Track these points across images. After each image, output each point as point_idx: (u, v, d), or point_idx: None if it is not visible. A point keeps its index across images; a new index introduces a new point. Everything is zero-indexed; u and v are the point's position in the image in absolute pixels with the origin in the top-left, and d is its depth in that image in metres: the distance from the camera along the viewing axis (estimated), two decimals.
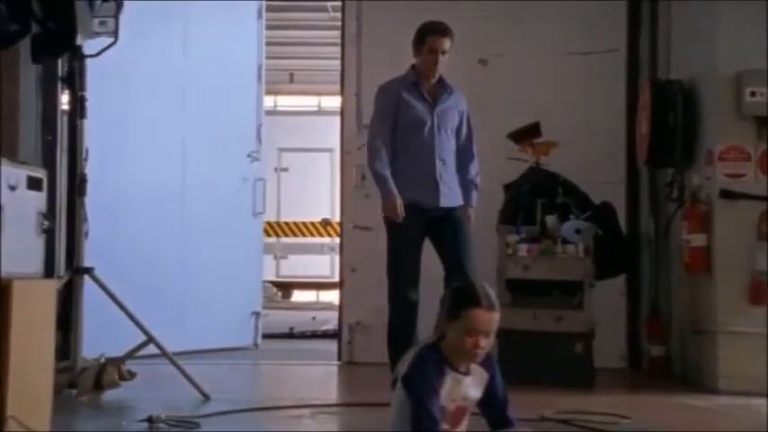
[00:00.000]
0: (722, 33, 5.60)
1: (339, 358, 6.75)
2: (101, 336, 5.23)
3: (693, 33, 5.99)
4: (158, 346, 4.90)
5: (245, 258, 7.73)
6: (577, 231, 5.78)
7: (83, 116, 5.06)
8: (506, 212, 6.05)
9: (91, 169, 6.59)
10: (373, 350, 6.62)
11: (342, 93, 6.85)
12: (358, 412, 4.64)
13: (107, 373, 4.69)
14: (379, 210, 6.68)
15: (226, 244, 7.42)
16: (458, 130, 5.03)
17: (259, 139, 7.85)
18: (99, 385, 4.66)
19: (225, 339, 7.42)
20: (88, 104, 6.51)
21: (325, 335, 8.66)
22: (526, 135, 6.12)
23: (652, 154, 5.92)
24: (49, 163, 6.20)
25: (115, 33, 4.93)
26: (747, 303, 5.40)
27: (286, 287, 15.05)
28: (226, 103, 7.48)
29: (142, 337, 6.52)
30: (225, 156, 7.48)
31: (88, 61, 6.42)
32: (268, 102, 17.00)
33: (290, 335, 8.91)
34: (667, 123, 5.82)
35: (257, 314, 7.84)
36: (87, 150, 5.08)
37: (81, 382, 4.65)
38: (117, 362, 4.77)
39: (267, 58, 14.34)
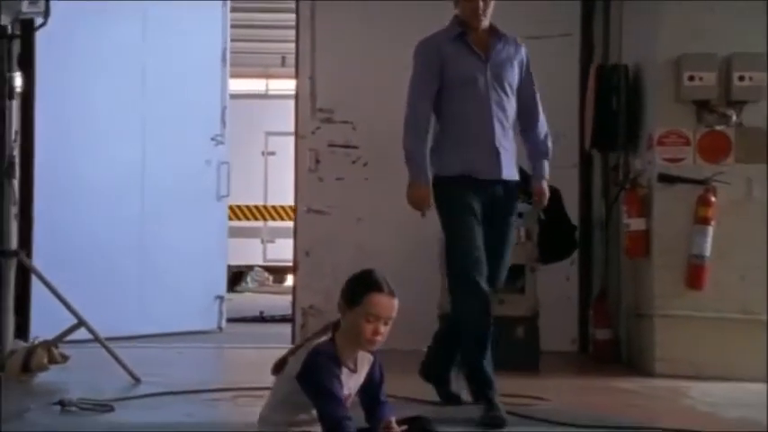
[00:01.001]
0: (665, 18, 5.58)
1: (293, 341, 6.78)
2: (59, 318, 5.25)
3: (640, 18, 5.96)
4: (89, 329, 4.94)
5: (210, 242, 7.78)
6: (519, 215, 5.77)
7: (11, 97, 5.04)
8: None
9: (45, 152, 6.71)
10: None
11: (296, 76, 6.86)
12: None
13: (36, 355, 4.73)
14: (332, 194, 6.76)
15: (188, 228, 7.46)
16: (518, 87, 4.27)
17: (224, 122, 7.88)
18: (27, 368, 4.70)
19: (188, 323, 7.47)
20: (41, 87, 6.65)
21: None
22: None
23: (596, 138, 5.92)
24: None
25: (45, 14, 4.92)
26: (685, 287, 5.40)
27: (278, 272, 15.10)
28: (188, 85, 7.49)
29: (112, 317, 6.71)
30: (187, 139, 7.50)
31: (42, 44, 6.54)
32: (260, 85, 17.11)
33: (261, 318, 8.96)
34: (611, 107, 5.82)
35: (221, 298, 7.89)
36: (17, 133, 5.06)
37: (9, 364, 4.70)
38: (47, 345, 4.81)
39: (259, 41, 14.36)
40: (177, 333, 7.19)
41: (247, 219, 14.26)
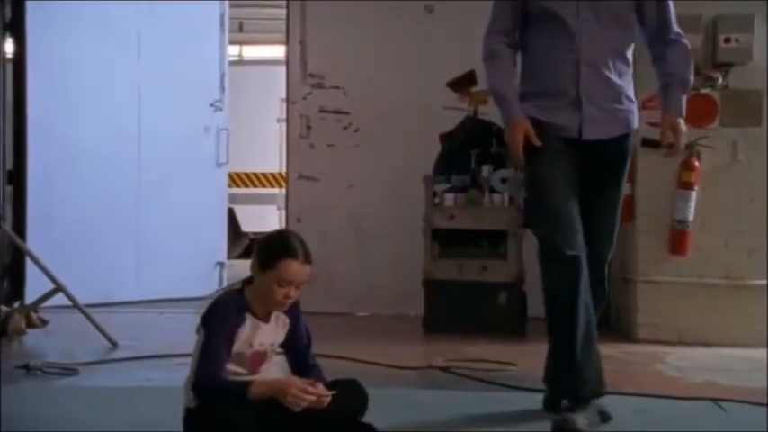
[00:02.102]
0: None
1: None
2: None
3: None
4: (67, 294, 4.99)
5: (209, 209, 7.79)
6: (503, 181, 5.75)
7: None
8: (440, 163, 6.02)
9: (39, 120, 6.76)
10: (317, 300, 6.69)
11: (287, 41, 6.83)
12: None
13: (13, 320, 4.80)
14: (323, 160, 6.76)
15: (187, 194, 7.48)
16: (638, 15, 3.46)
17: (223, 88, 7.87)
18: (3, 332, 4.77)
19: (188, 289, 7.50)
20: (33, 54, 6.70)
21: None
22: (463, 83, 6.07)
23: None
24: None
25: None
26: (668, 253, 5.34)
27: None
28: (185, 51, 7.46)
29: (109, 284, 6.80)
30: (185, 105, 7.50)
31: (33, 9, 6.59)
32: (278, 52, 17.08)
33: None
34: None
35: (221, 264, 7.93)
36: None
37: None
38: (25, 309, 4.88)
39: (277, 8, 14.31)
40: (176, 299, 7.24)
41: (263, 186, 14.30)
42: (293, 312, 2.98)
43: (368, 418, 2.93)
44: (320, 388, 2.77)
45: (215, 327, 2.80)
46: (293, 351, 2.99)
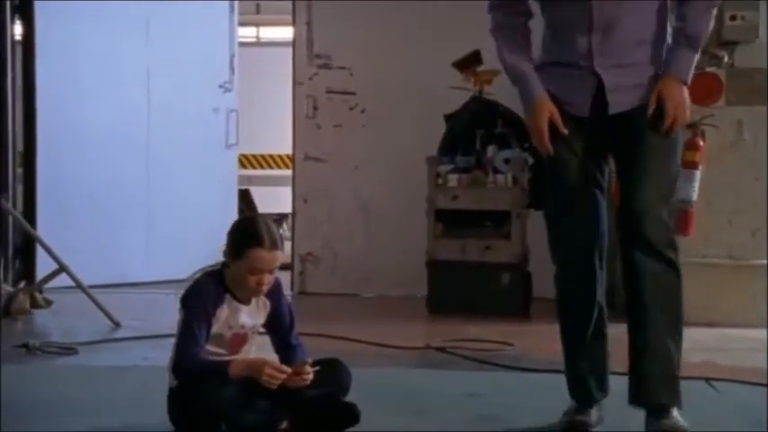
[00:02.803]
0: None
1: (291, 289, 6.85)
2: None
3: None
4: (71, 275, 5.05)
5: (218, 190, 7.82)
6: (506, 161, 5.74)
7: None
8: (445, 143, 6.01)
9: (48, 101, 6.79)
10: (323, 281, 6.74)
11: (293, 22, 6.83)
12: None
13: (18, 300, 4.85)
14: (329, 141, 6.76)
15: (196, 176, 7.51)
16: None
17: (232, 69, 7.88)
18: (8, 312, 4.82)
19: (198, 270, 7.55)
20: (41, 36, 6.72)
21: None
22: (468, 63, 6.05)
23: None
24: None
25: None
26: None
27: None
28: (194, 33, 7.46)
29: (119, 265, 6.86)
30: (193, 86, 7.52)
31: None
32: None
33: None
34: None
35: None
36: None
37: None
38: (30, 290, 4.93)
39: None
40: (186, 280, 7.26)
41: (279, 167, 14.33)
42: (275, 295, 2.98)
43: (353, 397, 2.94)
44: (307, 371, 2.79)
45: (193, 308, 2.82)
46: (276, 332, 3.00)
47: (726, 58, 5.32)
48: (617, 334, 4.85)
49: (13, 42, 6.71)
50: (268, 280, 2.86)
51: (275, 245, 2.85)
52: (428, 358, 4.24)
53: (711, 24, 2.82)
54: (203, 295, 2.85)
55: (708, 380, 3.70)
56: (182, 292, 2.91)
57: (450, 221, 5.81)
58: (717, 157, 5.27)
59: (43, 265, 6.33)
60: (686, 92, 2.79)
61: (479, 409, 3.20)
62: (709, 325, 5.16)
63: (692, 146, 5.23)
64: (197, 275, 2.94)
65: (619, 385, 2.99)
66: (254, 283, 2.83)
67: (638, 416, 2.92)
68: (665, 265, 2.89)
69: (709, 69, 5.32)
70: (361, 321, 5.42)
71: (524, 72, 2.92)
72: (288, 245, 8.19)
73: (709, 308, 5.23)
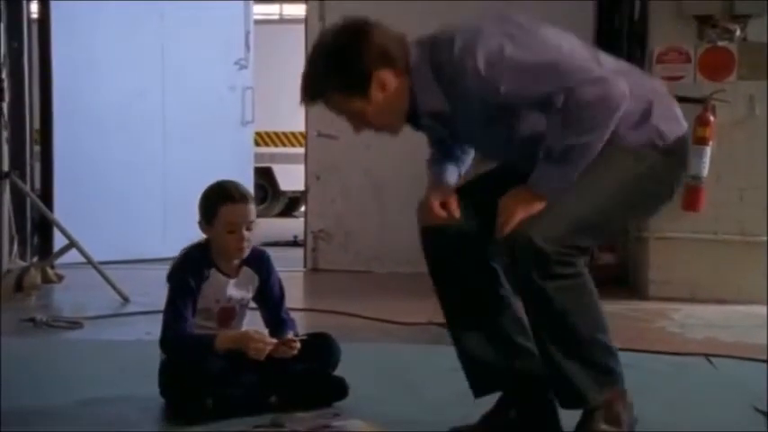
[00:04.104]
0: None
1: (304, 266, 6.88)
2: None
3: None
4: (80, 250, 5.10)
5: (234, 168, 7.81)
6: None
7: None
8: None
9: (64, 79, 6.86)
10: (336, 258, 6.75)
11: None
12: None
13: (29, 276, 4.91)
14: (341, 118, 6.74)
15: (212, 153, 7.53)
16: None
17: (248, 46, 7.88)
18: (20, 287, 4.89)
19: None
20: (57, 14, 6.78)
21: None
22: None
23: None
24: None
25: None
26: (681, 209, 5.26)
27: None
28: (209, 9, 7.49)
29: (136, 241, 6.92)
30: (209, 64, 7.54)
31: None
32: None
33: (294, 243, 9.07)
34: (612, 25, 5.65)
35: None
36: (5, 57, 5.19)
37: (3, 284, 4.89)
38: (41, 265, 4.99)
39: None
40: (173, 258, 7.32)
41: (301, 145, 14.35)
42: (264, 268, 3.00)
43: (345, 371, 2.96)
44: (294, 344, 2.81)
45: (178, 283, 2.85)
46: (265, 306, 3.02)
47: (738, 32, 5.26)
48: (627, 311, 4.91)
49: (30, 21, 6.79)
50: (247, 237, 2.85)
51: (245, 198, 2.87)
52: (426, 334, 4.24)
53: (575, 140, 2.35)
54: (188, 270, 2.87)
55: (708, 356, 3.68)
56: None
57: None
58: (728, 133, 5.22)
59: (60, 242, 6.44)
60: (533, 200, 2.38)
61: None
62: (720, 302, 5.14)
63: (702, 121, 5.19)
64: (183, 250, 2.95)
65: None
66: (233, 242, 2.84)
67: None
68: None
69: (720, 43, 5.27)
70: (370, 298, 5.44)
71: (438, 160, 2.81)
72: (301, 222, 8.36)
73: (720, 285, 5.22)
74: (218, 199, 2.85)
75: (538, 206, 2.37)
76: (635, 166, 2.47)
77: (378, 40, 2.41)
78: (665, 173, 2.53)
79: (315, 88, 2.43)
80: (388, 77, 2.40)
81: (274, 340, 2.76)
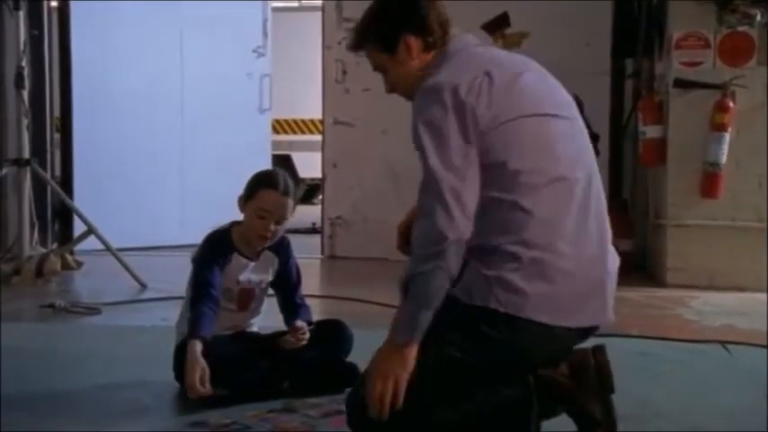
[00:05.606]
0: None
1: (321, 253, 6.89)
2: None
3: None
4: (99, 237, 5.13)
5: (251, 155, 7.85)
6: None
7: (17, 8, 5.19)
8: None
9: (82, 65, 6.89)
10: (353, 245, 6.76)
11: None
12: None
13: (49, 262, 4.95)
14: (358, 106, 6.75)
15: (230, 140, 7.56)
16: None
17: (265, 33, 7.89)
18: (40, 273, 4.93)
19: None
20: (76, 1, 6.81)
21: None
22: (496, 25, 6.00)
23: (616, 43, 5.72)
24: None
25: None
26: (700, 196, 5.24)
27: None
28: None
29: (154, 228, 6.96)
30: (227, 51, 7.55)
31: None
32: None
33: (313, 230, 9.08)
34: (632, 11, 5.61)
35: None
36: (25, 43, 5.22)
37: (24, 270, 4.93)
38: (61, 251, 5.03)
39: None
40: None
41: (319, 132, 14.36)
42: (284, 252, 3.02)
43: (358, 358, 2.96)
44: (303, 330, 2.83)
45: (204, 261, 2.86)
46: (282, 290, 3.03)
47: (759, 17, 5.21)
48: (644, 298, 4.89)
49: (50, 9, 6.82)
50: (273, 229, 2.87)
51: (287, 192, 2.88)
52: None
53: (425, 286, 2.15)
54: (212, 250, 2.89)
55: (724, 343, 3.67)
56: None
57: None
58: (747, 119, 5.19)
59: (79, 229, 6.48)
60: (392, 357, 2.19)
61: None
62: (738, 289, 5.12)
63: (721, 108, 5.17)
64: (207, 235, 2.98)
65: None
66: (259, 228, 2.85)
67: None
68: None
69: (740, 29, 5.23)
70: (386, 285, 5.42)
71: None
72: (318, 209, 8.40)
73: (737, 272, 5.20)
74: (263, 181, 2.88)
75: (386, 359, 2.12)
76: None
77: (421, 10, 2.40)
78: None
79: (357, 36, 2.53)
80: (416, 45, 2.39)
81: (207, 390, 2.64)
